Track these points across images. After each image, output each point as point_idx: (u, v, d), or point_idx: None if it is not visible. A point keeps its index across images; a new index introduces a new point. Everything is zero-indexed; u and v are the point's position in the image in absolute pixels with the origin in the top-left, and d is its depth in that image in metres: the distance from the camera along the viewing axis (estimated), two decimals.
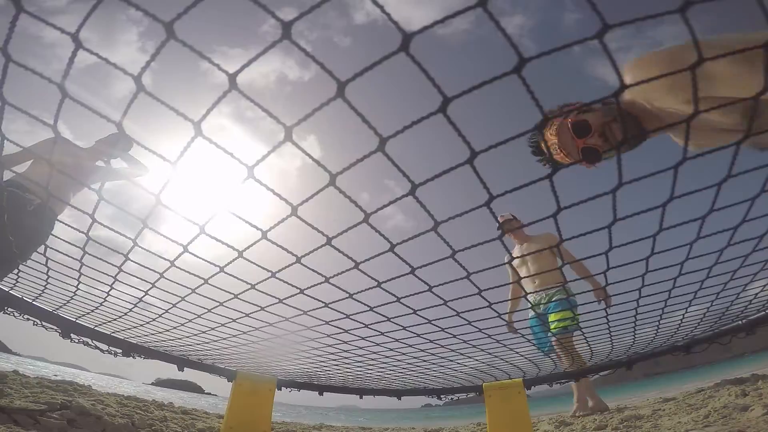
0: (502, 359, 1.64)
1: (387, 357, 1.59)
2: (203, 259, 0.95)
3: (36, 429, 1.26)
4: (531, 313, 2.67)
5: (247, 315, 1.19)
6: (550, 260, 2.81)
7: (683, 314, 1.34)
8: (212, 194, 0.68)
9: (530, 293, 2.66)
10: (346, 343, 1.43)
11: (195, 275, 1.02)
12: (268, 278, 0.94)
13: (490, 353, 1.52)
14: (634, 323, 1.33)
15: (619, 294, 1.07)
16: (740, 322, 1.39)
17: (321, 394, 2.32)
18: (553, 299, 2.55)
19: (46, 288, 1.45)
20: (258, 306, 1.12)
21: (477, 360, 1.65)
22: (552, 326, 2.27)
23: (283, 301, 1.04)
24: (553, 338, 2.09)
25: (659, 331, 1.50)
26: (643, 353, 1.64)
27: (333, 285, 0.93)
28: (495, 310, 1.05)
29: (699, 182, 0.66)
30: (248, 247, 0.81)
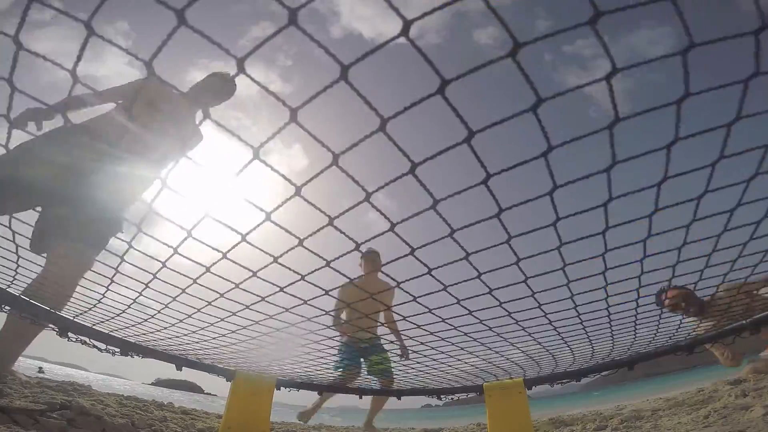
0: (503, 355, 1.63)
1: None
2: (208, 245, 0.94)
3: (36, 429, 1.25)
4: (344, 339, 2.84)
5: (247, 307, 1.18)
6: (378, 310, 3.05)
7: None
8: (216, 181, 0.68)
9: (355, 329, 2.81)
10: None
11: (197, 262, 1.01)
12: (269, 264, 0.93)
13: (491, 348, 1.51)
14: (634, 323, 1.33)
15: (622, 293, 1.06)
16: (744, 321, 1.38)
17: (320, 394, 2.31)
18: (374, 344, 2.90)
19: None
20: (259, 296, 1.10)
21: (477, 356, 1.64)
22: (379, 366, 2.67)
23: (284, 289, 1.03)
24: (381, 378, 2.58)
25: (660, 330, 1.49)
26: (646, 353, 1.63)
27: (335, 270, 0.92)
28: (496, 298, 1.04)
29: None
30: (252, 230, 0.80)
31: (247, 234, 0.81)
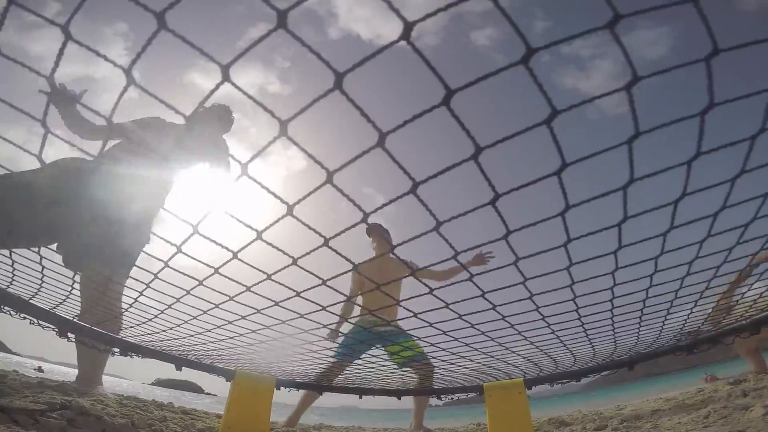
0: (501, 360, 1.63)
1: (386, 359, 1.58)
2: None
3: (36, 429, 1.25)
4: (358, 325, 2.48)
5: (243, 317, 1.18)
6: (398, 291, 2.66)
7: (687, 315, 1.33)
8: (206, 195, 0.67)
9: (374, 311, 2.39)
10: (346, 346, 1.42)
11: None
12: (262, 281, 0.93)
13: (492, 356, 1.51)
14: (638, 324, 1.32)
15: (626, 295, 1.05)
16: (744, 321, 1.38)
17: (321, 394, 2.31)
18: (396, 329, 2.30)
19: (41, 287, 1.45)
20: (254, 309, 1.10)
21: (477, 363, 1.64)
22: (410, 352, 2.19)
23: (279, 303, 1.03)
24: (414, 363, 2.17)
25: (663, 331, 1.49)
26: (646, 353, 1.63)
27: (330, 287, 0.92)
28: (499, 312, 1.04)
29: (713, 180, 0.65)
30: (243, 248, 0.79)
31: (239, 251, 0.81)
